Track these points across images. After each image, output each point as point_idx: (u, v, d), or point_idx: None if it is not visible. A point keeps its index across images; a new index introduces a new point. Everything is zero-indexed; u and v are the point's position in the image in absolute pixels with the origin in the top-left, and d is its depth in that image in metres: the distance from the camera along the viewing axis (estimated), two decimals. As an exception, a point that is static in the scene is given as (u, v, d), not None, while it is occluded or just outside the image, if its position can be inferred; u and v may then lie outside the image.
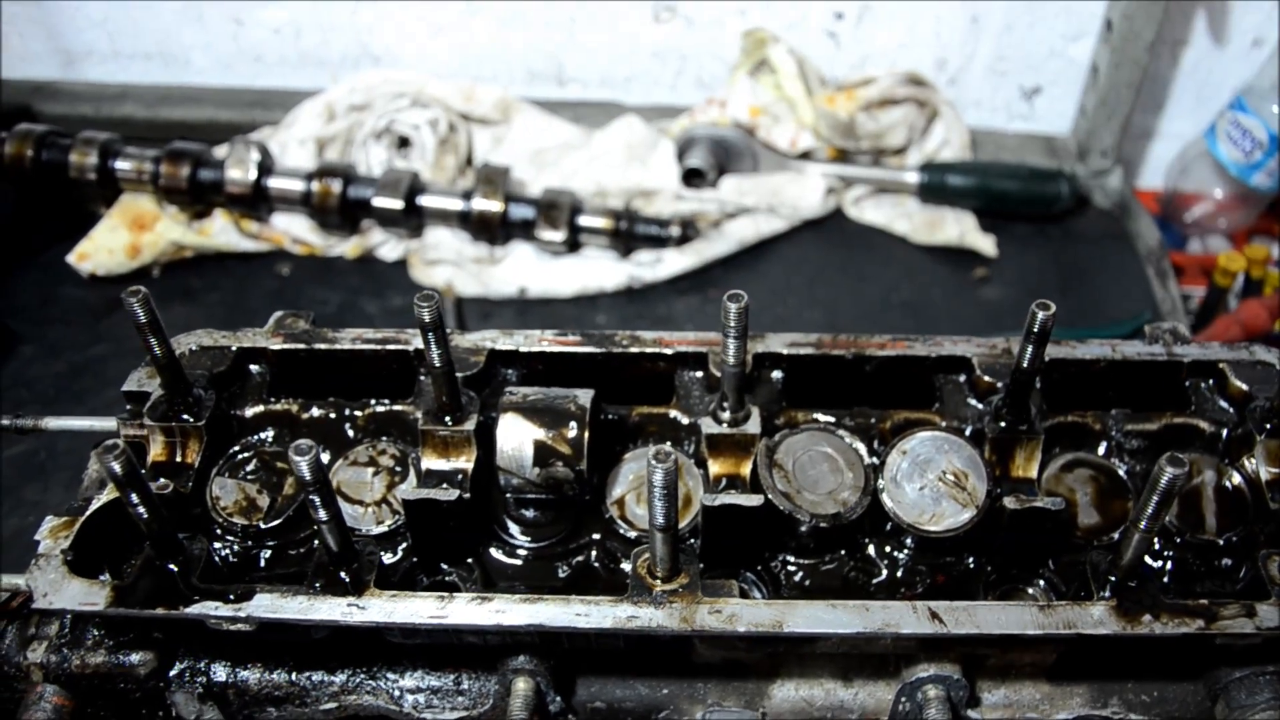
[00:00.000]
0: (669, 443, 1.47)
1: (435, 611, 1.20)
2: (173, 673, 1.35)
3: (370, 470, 1.44)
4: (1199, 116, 3.02)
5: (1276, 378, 1.44)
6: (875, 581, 1.38)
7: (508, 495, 1.39)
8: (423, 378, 1.47)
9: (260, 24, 3.02)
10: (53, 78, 3.13)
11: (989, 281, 2.75)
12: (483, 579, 1.38)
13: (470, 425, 1.34)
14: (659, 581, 1.22)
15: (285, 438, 1.47)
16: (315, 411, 1.48)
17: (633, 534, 1.40)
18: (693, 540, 1.37)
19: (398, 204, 2.58)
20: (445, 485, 1.32)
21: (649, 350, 1.47)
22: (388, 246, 2.72)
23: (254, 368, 1.50)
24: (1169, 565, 1.39)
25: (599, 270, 2.66)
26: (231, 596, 1.21)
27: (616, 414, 1.48)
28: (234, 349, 1.47)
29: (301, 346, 1.47)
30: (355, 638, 1.34)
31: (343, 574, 1.23)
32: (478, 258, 2.68)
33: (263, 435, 1.47)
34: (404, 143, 2.81)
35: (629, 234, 2.65)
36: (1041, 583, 1.39)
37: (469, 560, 1.39)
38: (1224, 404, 1.48)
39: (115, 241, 2.61)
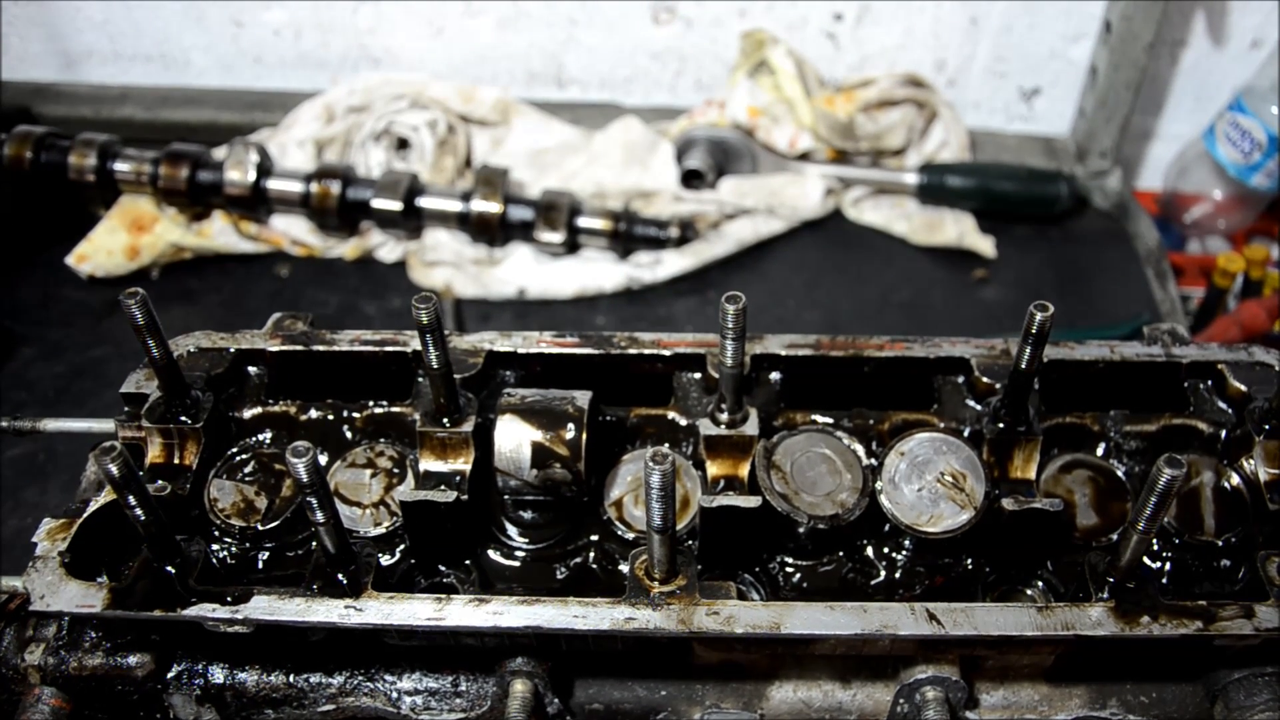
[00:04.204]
0: (667, 444, 1.47)
1: (433, 613, 1.20)
2: (170, 675, 1.35)
3: (368, 472, 1.44)
4: (1198, 117, 3.02)
5: (1275, 378, 1.44)
6: (873, 583, 1.38)
7: (506, 497, 1.39)
8: (421, 379, 1.47)
9: (260, 25, 3.02)
10: (52, 79, 3.13)
11: (988, 282, 2.75)
12: (480, 581, 1.38)
13: (468, 427, 1.34)
14: (657, 583, 1.22)
15: (283, 439, 1.47)
16: (313, 413, 1.48)
17: (631, 535, 1.40)
18: (691, 542, 1.36)
19: (397, 205, 2.58)
20: (443, 487, 1.32)
21: (647, 352, 1.47)
22: (387, 248, 2.72)
23: (252, 369, 1.50)
24: (1168, 566, 1.39)
25: (598, 271, 2.66)
26: (229, 598, 1.21)
27: (615, 415, 1.48)
28: (232, 350, 1.47)
29: (300, 348, 1.47)
30: (353, 640, 1.33)
31: (340, 576, 1.23)
32: (477, 259, 2.68)
33: (261, 437, 1.47)
34: (403, 144, 2.81)
35: (628, 235, 2.65)
36: (1040, 584, 1.39)
37: (467, 562, 1.39)
38: (1222, 405, 1.48)
39: (114, 243, 2.61)
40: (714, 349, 1.45)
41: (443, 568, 1.39)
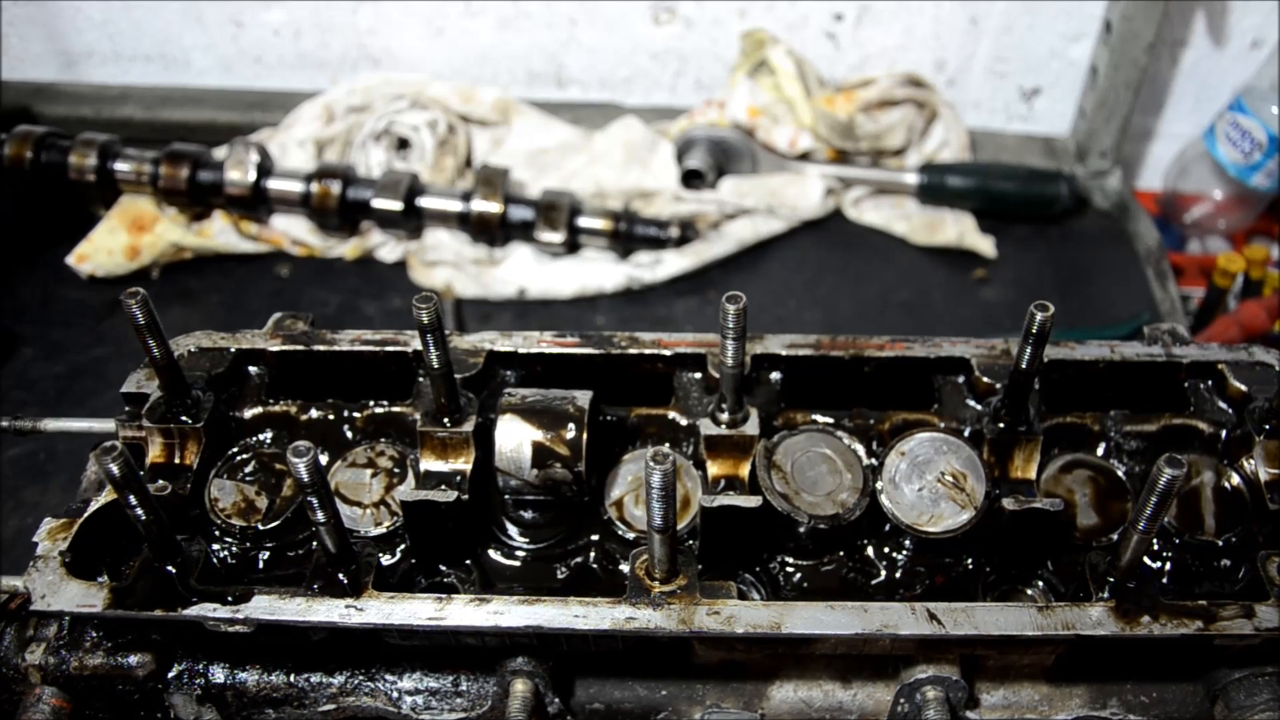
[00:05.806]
0: (667, 444, 1.47)
1: (433, 613, 1.20)
2: (171, 674, 1.35)
3: (369, 472, 1.44)
4: (1198, 117, 3.02)
5: (1275, 378, 1.45)
6: (874, 582, 1.38)
7: (506, 497, 1.39)
8: (421, 379, 1.47)
9: (260, 25, 3.02)
10: (53, 79, 3.13)
11: (988, 282, 2.75)
12: (481, 580, 1.38)
13: (469, 427, 1.34)
14: (657, 583, 1.22)
15: (284, 439, 1.47)
16: (314, 413, 1.48)
17: (631, 535, 1.40)
18: (691, 541, 1.37)
19: (397, 205, 2.59)
20: (444, 487, 1.32)
21: (648, 351, 1.47)
22: (387, 248, 2.72)
23: (253, 369, 1.50)
24: (1168, 566, 1.39)
25: (598, 271, 2.66)
26: (230, 598, 1.21)
27: (615, 415, 1.48)
28: (233, 350, 1.47)
29: (300, 348, 1.47)
30: (353, 639, 1.33)
31: (341, 575, 1.23)
32: (477, 259, 2.68)
33: (261, 437, 1.47)
34: (403, 144, 2.81)
35: (628, 235, 2.65)
36: (1040, 584, 1.39)
37: (467, 562, 1.39)
38: (1223, 405, 1.48)
39: (114, 243, 2.61)
40: (714, 349, 1.45)
41: (443, 567, 1.39)
